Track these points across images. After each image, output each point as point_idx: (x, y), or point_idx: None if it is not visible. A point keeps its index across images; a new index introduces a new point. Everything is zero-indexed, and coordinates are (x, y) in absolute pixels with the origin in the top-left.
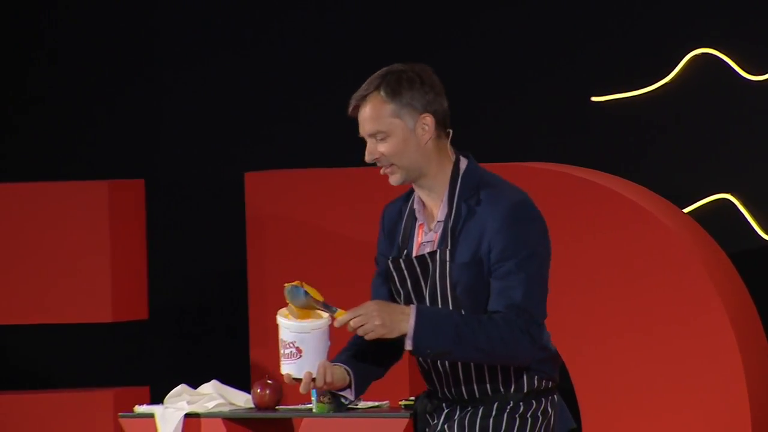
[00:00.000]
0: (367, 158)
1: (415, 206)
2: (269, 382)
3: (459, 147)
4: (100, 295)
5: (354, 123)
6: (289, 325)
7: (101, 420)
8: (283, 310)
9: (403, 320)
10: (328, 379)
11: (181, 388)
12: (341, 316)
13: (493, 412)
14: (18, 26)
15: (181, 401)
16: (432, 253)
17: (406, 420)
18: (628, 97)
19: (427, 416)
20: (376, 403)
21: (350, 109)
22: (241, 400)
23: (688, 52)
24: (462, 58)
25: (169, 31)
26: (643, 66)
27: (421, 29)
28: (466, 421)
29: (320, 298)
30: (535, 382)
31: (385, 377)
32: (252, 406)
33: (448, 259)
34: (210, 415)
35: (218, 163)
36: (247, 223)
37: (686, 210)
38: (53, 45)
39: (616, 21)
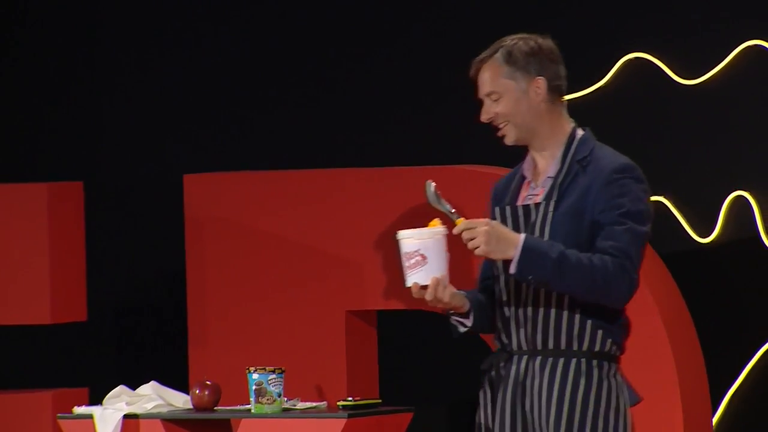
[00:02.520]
0: (483, 118)
1: (525, 165)
2: (207, 383)
3: (397, 148)
4: (39, 297)
5: (294, 126)
6: (411, 234)
7: (40, 421)
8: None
9: (509, 248)
10: (446, 296)
11: (120, 389)
12: (460, 223)
13: (570, 366)
14: None
15: (119, 402)
16: (537, 204)
17: (344, 420)
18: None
19: (501, 368)
20: (314, 404)
21: (471, 71)
22: (180, 401)
23: (622, 56)
24: (399, 62)
25: (107, 33)
26: (576, 70)
27: (360, 34)
28: (547, 368)
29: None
30: (607, 344)
31: (323, 377)
32: (190, 407)
33: (551, 209)
34: (149, 416)
35: (157, 166)
36: (186, 225)
37: None
38: None
39: (549, 24)
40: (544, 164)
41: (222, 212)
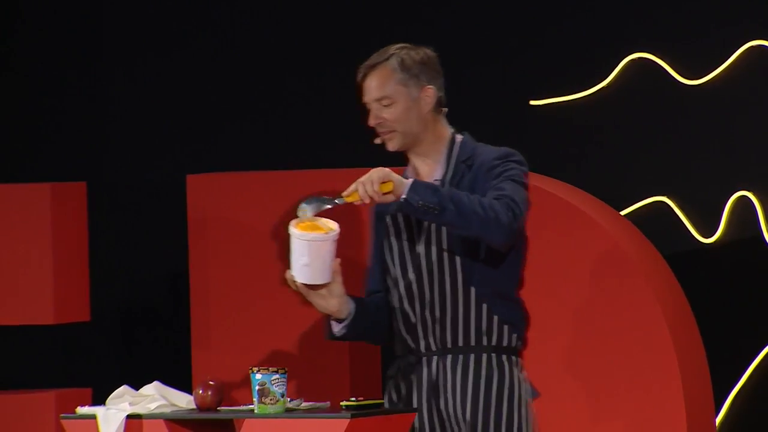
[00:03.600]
0: (372, 122)
1: (408, 172)
2: (211, 383)
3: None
4: (42, 297)
5: (294, 126)
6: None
7: (43, 421)
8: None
9: (402, 178)
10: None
11: (123, 389)
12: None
13: (482, 361)
14: None
15: (123, 402)
16: None
17: (347, 420)
18: (565, 101)
19: (410, 372)
20: (317, 404)
21: (359, 76)
22: (183, 401)
23: (625, 57)
24: None
25: (111, 34)
26: (580, 70)
27: (359, 35)
28: (459, 366)
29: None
30: (513, 339)
31: (326, 378)
32: (194, 407)
33: None
34: (152, 417)
35: (160, 166)
36: (189, 225)
37: (623, 212)
38: None
39: (553, 25)
40: (428, 169)
41: (225, 212)
